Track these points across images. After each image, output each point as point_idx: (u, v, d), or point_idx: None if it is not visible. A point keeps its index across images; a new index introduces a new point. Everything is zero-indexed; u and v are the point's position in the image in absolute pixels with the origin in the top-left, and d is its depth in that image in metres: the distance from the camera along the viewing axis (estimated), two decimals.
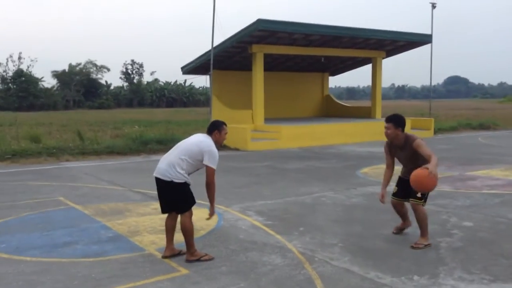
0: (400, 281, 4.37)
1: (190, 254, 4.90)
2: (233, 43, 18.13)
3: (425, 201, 5.37)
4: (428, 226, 5.45)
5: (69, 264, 4.86)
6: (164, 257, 5.02)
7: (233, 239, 5.70)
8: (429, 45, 22.67)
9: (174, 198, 4.93)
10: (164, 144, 16.03)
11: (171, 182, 4.83)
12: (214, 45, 18.02)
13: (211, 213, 5.01)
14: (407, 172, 5.47)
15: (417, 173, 5.04)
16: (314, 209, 7.24)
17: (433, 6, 24.43)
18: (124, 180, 9.96)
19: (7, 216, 6.91)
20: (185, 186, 4.90)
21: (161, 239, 5.72)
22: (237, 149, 16.03)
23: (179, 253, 5.07)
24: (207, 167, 4.85)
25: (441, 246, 5.39)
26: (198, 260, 4.87)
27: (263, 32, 17.13)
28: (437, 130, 22.39)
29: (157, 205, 7.56)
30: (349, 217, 6.80)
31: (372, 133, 18.78)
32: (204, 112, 40.59)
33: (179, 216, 5.03)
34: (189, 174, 4.93)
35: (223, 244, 5.46)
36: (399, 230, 5.92)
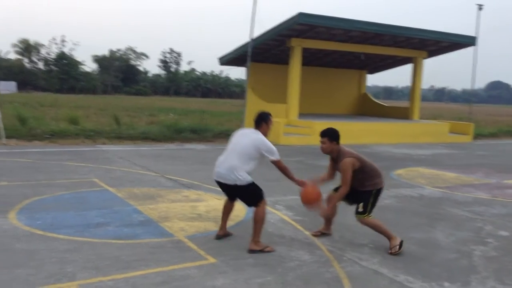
0: (430, 286, 4.27)
1: (254, 243, 4.98)
2: (272, 36, 18.06)
3: (369, 213, 5.22)
4: (460, 232, 5.31)
5: (100, 244, 4.96)
6: (218, 236, 5.33)
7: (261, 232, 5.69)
8: (473, 47, 22.04)
9: (242, 197, 5.12)
10: (198, 133, 16.19)
11: (235, 185, 4.94)
12: (253, 37, 18.00)
13: (301, 184, 5.24)
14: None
15: (305, 192, 5.26)
16: (344, 208, 7.12)
17: (480, 7, 23.71)
18: (157, 166, 10.09)
19: (43, 194, 7.11)
20: (249, 185, 4.99)
21: (191, 226, 5.77)
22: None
23: (229, 234, 5.43)
24: (272, 162, 4.99)
25: (475, 254, 5.24)
26: (261, 251, 4.94)
27: (303, 26, 16.98)
28: (476, 136, 21.77)
29: (187, 192, 7.69)
30: (380, 218, 6.62)
31: (408, 134, 18.43)
32: (239, 104, 40.74)
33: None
34: (251, 171, 5.03)
35: (250, 237, 5.46)
36: (319, 233, 5.74)
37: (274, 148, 5.00)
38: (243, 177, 4.90)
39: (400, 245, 5.15)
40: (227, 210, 5.38)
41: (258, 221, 5.00)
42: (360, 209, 5.21)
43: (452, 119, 28.02)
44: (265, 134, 5.10)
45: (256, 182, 5.07)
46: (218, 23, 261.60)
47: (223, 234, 5.36)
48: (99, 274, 4.16)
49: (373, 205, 5.26)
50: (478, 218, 6.86)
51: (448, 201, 7.95)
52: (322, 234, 5.71)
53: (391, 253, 5.09)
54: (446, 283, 4.36)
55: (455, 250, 5.37)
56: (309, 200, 5.25)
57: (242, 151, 4.97)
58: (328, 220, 5.72)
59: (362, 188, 5.25)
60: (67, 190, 7.45)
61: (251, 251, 4.94)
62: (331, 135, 5.33)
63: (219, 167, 5.04)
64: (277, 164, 5.02)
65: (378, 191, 5.29)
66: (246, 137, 5.08)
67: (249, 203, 5.17)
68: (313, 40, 18.64)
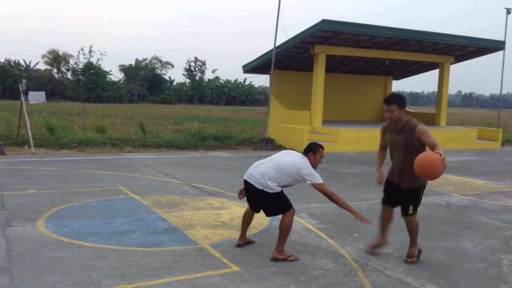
0: None
1: (278, 252, 4.95)
2: (296, 43, 18.06)
3: (416, 212, 4.97)
4: (488, 241, 5.18)
5: (126, 252, 5.03)
6: (238, 245, 5.30)
7: None
8: (501, 52, 21.59)
9: (267, 205, 5.03)
10: (221, 141, 16.27)
11: (263, 191, 4.90)
12: (277, 45, 18.04)
13: (361, 219, 4.85)
14: (396, 170, 4.95)
15: (427, 155, 4.41)
16: (369, 216, 7.01)
17: (508, 11, 23.24)
18: (182, 174, 10.18)
19: (71, 202, 7.25)
20: (277, 194, 4.94)
21: (214, 234, 5.80)
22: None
23: (250, 242, 5.41)
24: (314, 185, 4.88)
25: (503, 264, 5.11)
26: (285, 259, 4.90)
27: (327, 33, 16.94)
28: (505, 142, 21.27)
29: (211, 200, 7.73)
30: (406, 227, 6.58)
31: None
32: (262, 111, 40.79)
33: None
34: (283, 186, 4.98)
35: (274, 245, 5.44)
36: (373, 249, 5.27)
37: (317, 175, 4.89)
38: (272, 186, 4.88)
39: (418, 255, 5.02)
40: (247, 219, 5.33)
41: (284, 230, 4.95)
42: (411, 211, 4.91)
43: (480, 125, 27.47)
44: (313, 165, 5.00)
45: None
46: (243, 31, 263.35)
47: (243, 243, 5.34)
48: (124, 282, 4.21)
49: (420, 202, 5.01)
50: (507, 227, 6.69)
51: (476, 209, 7.78)
52: (376, 246, 5.28)
53: (407, 262, 4.96)
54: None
55: (483, 259, 5.24)
56: (437, 170, 4.33)
57: (281, 165, 4.92)
58: (386, 227, 5.28)
59: (411, 185, 4.83)
60: (94, 198, 7.57)
61: (274, 259, 4.92)
62: (400, 102, 4.77)
63: (253, 169, 5.04)
64: (319, 188, 4.87)
65: (425, 186, 4.97)
66: (291, 155, 5.05)
67: (272, 211, 5.09)
68: (337, 46, 18.57)
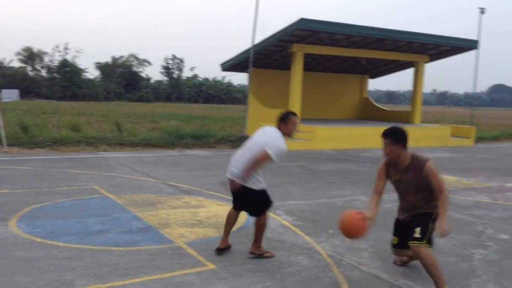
0: None
1: (256, 247, 4.98)
2: (274, 42, 18.10)
3: (429, 242, 4.19)
4: (461, 236, 5.24)
5: (100, 251, 4.97)
6: (218, 249, 4.99)
7: None
8: (474, 51, 22.03)
9: (249, 202, 4.90)
10: (199, 140, 16.20)
11: (246, 187, 4.75)
12: (255, 43, 18.05)
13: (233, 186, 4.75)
14: (406, 211, 4.48)
15: (347, 218, 4.19)
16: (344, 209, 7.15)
17: (482, 11, 23.71)
18: (158, 173, 10.11)
19: (44, 202, 7.12)
20: (261, 192, 4.84)
21: (191, 233, 5.77)
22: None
23: (230, 247, 5.13)
24: (261, 152, 4.58)
25: (475, 258, 5.22)
26: (261, 255, 4.93)
27: (305, 31, 17.01)
28: (478, 139, 21.73)
29: (188, 198, 7.69)
30: (380, 223, 6.61)
31: (410, 138, 18.17)
32: (241, 110, 40.74)
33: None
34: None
35: (251, 242, 5.45)
36: (403, 263, 4.92)
37: (279, 148, 4.60)
38: (256, 179, 4.72)
39: None
40: (231, 221, 5.05)
41: (260, 229, 4.96)
42: (417, 235, 4.13)
43: (454, 123, 27.97)
44: (286, 134, 4.75)
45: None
46: (221, 29, 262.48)
47: (223, 247, 5.02)
48: (97, 281, 4.16)
49: (432, 232, 4.23)
50: (478, 222, 6.84)
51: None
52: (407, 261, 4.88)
53: None
54: (446, 287, 4.34)
55: (456, 254, 5.35)
56: (352, 233, 4.23)
57: (256, 148, 4.66)
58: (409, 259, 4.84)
59: (419, 210, 4.33)
60: (68, 198, 7.46)
61: (251, 253, 4.96)
62: (395, 136, 4.30)
63: (234, 165, 4.82)
64: (262, 153, 4.56)
65: (437, 216, 4.24)
66: (264, 136, 4.76)
67: (253, 211, 4.95)
68: (315, 45, 18.68)
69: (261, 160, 4.59)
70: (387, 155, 4.37)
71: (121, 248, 5.10)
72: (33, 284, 4.06)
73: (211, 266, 4.66)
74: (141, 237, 5.53)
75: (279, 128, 4.78)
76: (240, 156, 4.82)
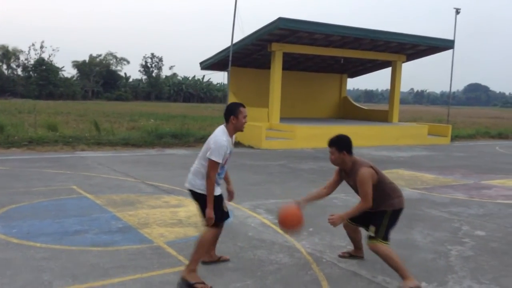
0: None
1: (188, 270, 4.15)
2: (253, 41, 18.12)
3: (384, 239, 4.38)
4: (438, 232, 5.31)
5: (78, 252, 4.91)
6: (203, 262, 4.55)
7: (241, 236, 5.70)
8: (450, 50, 22.42)
9: (201, 210, 4.31)
10: (179, 139, 16.11)
11: (195, 192, 4.29)
12: (234, 42, 18.03)
13: (208, 214, 4.18)
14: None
15: (288, 209, 4.45)
16: (324, 211, 7.19)
17: (457, 11, 24.11)
18: (137, 172, 10.02)
19: (20, 202, 7.00)
20: (216, 198, 4.26)
21: (170, 232, 5.74)
22: (251, 147, 16.03)
23: (219, 260, 4.75)
24: (208, 161, 4.16)
25: (451, 254, 5.32)
26: (193, 286, 4.07)
27: (284, 30, 17.07)
28: (454, 137, 22.12)
29: (168, 198, 7.64)
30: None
31: (388, 137, 18.62)
32: (221, 109, 40.63)
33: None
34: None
35: (231, 241, 5.46)
36: (348, 255, 5.09)
37: (221, 148, 4.16)
38: (204, 184, 4.22)
39: None
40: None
41: (198, 247, 4.21)
42: (372, 233, 4.40)
43: (431, 122, 28.41)
44: (236, 128, 4.34)
45: (235, 187, 4.85)
46: (200, 27, 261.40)
47: (208, 261, 4.65)
48: (76, 282, 4.11)
49: (388, 229, 4.43)
50: (455, 219, 6.96)
51: (426, 202, 8.05)
52: (351, 256, 5.05)
53: None
54: (424, 283, 4.41)
55: (433, 250, 5.44)
56: (286, 224, 4.48)
57: (204, 158, 4.28)
58: (355, 243, 5.03)
59: (375, 209, 4.46)
60: (45, 198, 7.34)
61: (182, 280, 4.10)
62: (339, 144, 4.50)
63: (190, 171, 4.44)
64: (209, 163, 4.15)
65: (396, 213, 4.50)
66: (210, 139, 4.34)
67: (204, 220, 4.31)
68: (294, 44, 18.76)
69: (211, 171, 4.17)
70: (332, 163, 4.65)
71: (100, 248, 5.04)
72: (9, 286, 3.99)
73: None
74: (120, 237, 5.48)
75: (230, 122, 4.34)
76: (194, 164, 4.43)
